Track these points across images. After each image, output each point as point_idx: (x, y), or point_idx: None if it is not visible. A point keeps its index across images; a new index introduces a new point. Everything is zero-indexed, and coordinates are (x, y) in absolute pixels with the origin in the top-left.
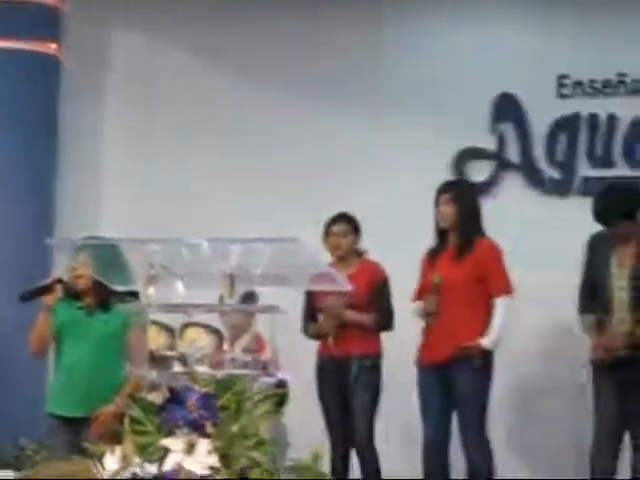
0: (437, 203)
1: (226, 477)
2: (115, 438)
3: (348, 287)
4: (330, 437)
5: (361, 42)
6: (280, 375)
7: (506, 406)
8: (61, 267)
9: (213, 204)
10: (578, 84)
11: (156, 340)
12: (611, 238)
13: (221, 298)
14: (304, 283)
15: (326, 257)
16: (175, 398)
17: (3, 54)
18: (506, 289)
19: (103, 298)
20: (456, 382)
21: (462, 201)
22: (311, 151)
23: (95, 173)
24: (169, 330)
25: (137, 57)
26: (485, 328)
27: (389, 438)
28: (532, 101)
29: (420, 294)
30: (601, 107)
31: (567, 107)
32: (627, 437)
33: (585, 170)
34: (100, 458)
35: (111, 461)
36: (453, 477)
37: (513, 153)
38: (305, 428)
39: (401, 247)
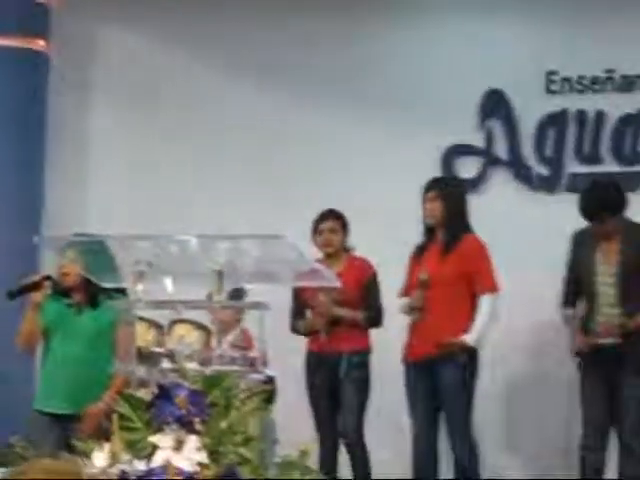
0: (424, 200)
1: (215, 473)
2: (104, 435)
3: (336, 283)
4: (319, 433)
5: (348, 39)
6: (268, 372)
7: (495, 403)
8: (49, 264)
9: (199, 202)
10: (566, 80)
11: (144, 337)
12: (596, 234)
13: (209, 295)
14: (292, 280)
15: (312, 254)
16: (164, 394)
17: None
18: (491, 287)
19: (91, 295)
20: (441, 379)
21: (449, 198)
22: (297, 148)
23: (83, 170)
24: (157, 327)
25: (125, 54)
26: (469, 325)
27: (378, 434)
28: (520, 97)
29: (407, 290)
30: (589, 103)
31: (555, 103)
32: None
33: (573, 166)
34: (88, 455)
35: (99, 458)
36: (444, 474)
37: (501, 149)
38: (294, 424)
39: (389, 244)
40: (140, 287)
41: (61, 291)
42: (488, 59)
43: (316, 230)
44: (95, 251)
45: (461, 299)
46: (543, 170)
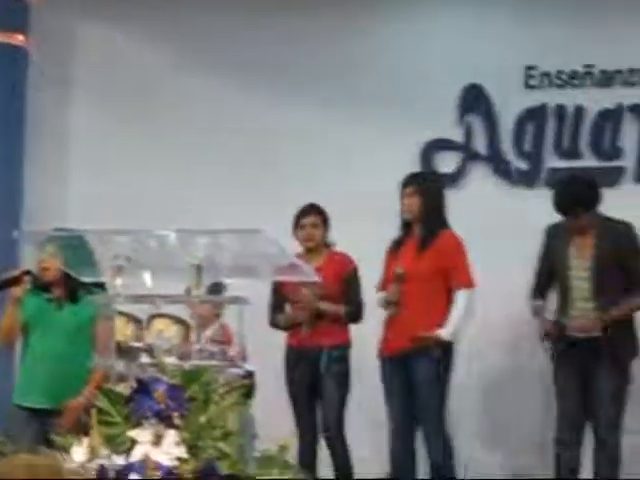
0: (402, 195)
1: (193, 468)
2: (83, 430)
3: (315, 278)
4: (298, 428)
5: (328, 35)
6: (247, 366)
7: (472, 398)
8: (29, 259)
9: (181, 199)
10: (545, 75)
11: (123, 331)
12: (570, 229)
13: (188, 289)
14: (271, 274)
15: (291, 248)
16: (142, 389)
17: None
18: (467, 282)
19: (71, 290)
20: (415, 373)
21: (427, 194)
22: (281, 145)
23: (62, 165)
24: (136, 321)
25: (106, 50)
26: (445, 320)
27: (356, 430)
28: (499, 92)
29: (384, 285)
30: (568, 98)
31: (534, 98)
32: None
33: (552, 161)
34: (67, 450)
35: (78, 453)
36: (423, 469)
37: (480, 144)
38: (273, 419)
39: (369, 239)
40: (119, 281)
41: (41, 286)
42: (467, 54)
43: (297, 225)
44: (74, 246)
45: (437, 294)
46: (522, 165)
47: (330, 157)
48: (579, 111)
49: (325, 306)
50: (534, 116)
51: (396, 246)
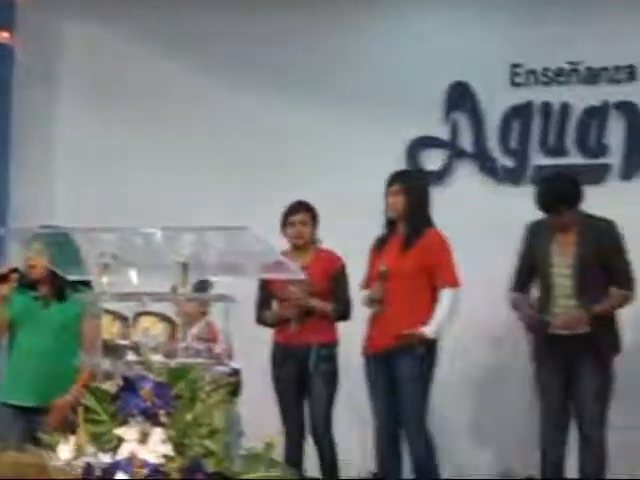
0: (387, 193)
1: (180, 465)
2: (70, 428)
3: (302, 276)
4: (285, 426)
5: (313, 32)
6: (233, 364)
7: (456, 395)
8: (15, 257)
9: (167, 195)
10: (531, 73)
11: (109, 329)
12: (552, 226)
13: (174, 287)
14: (258, 272)
15: (279, 246)
16: (129, 387)
17: None
18: (452, 281)
19: (58, 288)
20: (398, 370)
21: (411, 192)
22: (264, 141)
23: (48, 163)
24: (122, 319)
25: (91, 48)
26: (429, 318)
27: (343, 426)
28: (485, 90)
29: (368, 283)
30: (554, 96)
31: (520, 96)
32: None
33: (538, 158)
34: (54, 448)
35: (64, 450)
36: (408, 466)
37: (466, 142)
38: (259, 417)
39: (354, 236)
40: (105, 279)
41: (28, 284)
42: (453, 52)
43: (286, 222)
44: (60, 243)
45: (421, 292)
46: (508, 162)
47: (314, 155)
48: (565, 108)
49: (315, 302)
50: (520, 113)
51: (380, 244)
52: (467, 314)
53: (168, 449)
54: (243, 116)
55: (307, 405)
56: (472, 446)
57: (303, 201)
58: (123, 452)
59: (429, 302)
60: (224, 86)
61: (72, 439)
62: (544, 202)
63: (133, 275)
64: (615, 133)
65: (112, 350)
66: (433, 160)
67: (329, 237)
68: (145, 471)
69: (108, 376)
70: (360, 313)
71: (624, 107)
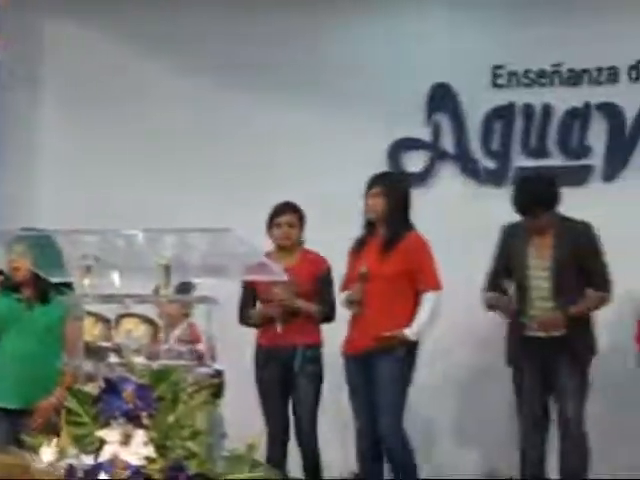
0: (367, 195)
1: (162, 467)
2: (54, 430)
3: (284, 277)
4: (269, 427)
5: (295, 32)
6: (216, 365)
7: (437, 397)
8: None
9: (151, 197)
10: (513, 74)
11: (92, 331)
12: (528, 229)
13: (156, 289)
14: (240, 274)
15: (263, 247)
16: (111, 389)
17: None
18: (434, 285)
19: (42, 290)
20: (377, 371)
21: (392, 195)
22: (244, 142)
23: (31, 164)
24: (105, 321)
25: (76, 50)
26: (409, 320)
27: (325, 427)
28: (467, 91)
29: (347, 284)
30: (536, 97)
31: (502, 97)
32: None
33: (520, 160)
34: (37, 450)
35: (47, 453)
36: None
37: (448, 143)
38: (242, 419)
39: (335, 238)
40: (87, 281)
41: (11, 286)
42: (434, 53)
43: (272, 223)
44: (43, 245)
45: (401, 294)
46: (490, 164)
47: (296, 156)
48: (547, 110)
49: (300, 303)
50: (502, 115)
51: (359, 246)
52: (449, 316)
53: (150, 451)
54: (229, 118)
55: (291, 406)
56: (455, 447)
57: (290, 202)
58: (105, 454)
59: (409, 304)
60: (209, 87)
61: (55, 441)
62: (520, 205)
63: (115, 277)
64: (597, 135)
65: (94, 352)
66: (415, 162)
67: (309, 239)
68: (127, 473)
69: (90, 378)
70: (341, 315)
71: (606, 108)
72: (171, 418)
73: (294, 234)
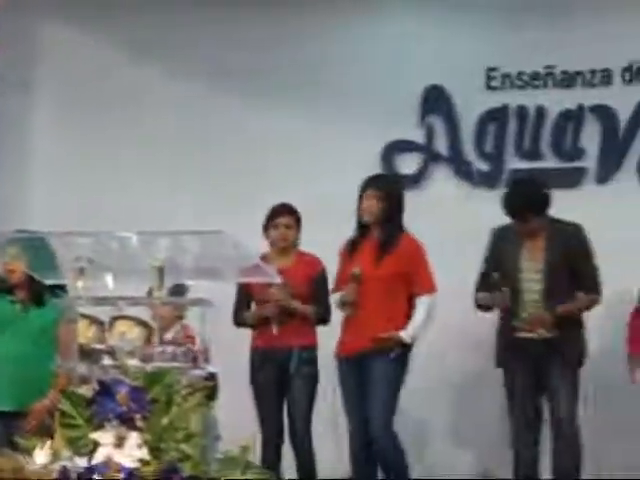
0: (361, 197)
1: (156, 470)
2: (48, 432)
3: (278, 279)
4: (263, 429)
5: (287, 35)
6: (210, 368)
7: (431, 400)
8: None
9: (144, 201)
10: (507, 76)
11: (85, 333)
12: (519, 232)
13: (150, 291)
14: (234, 276)
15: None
16: (105, 391)
17: None
18: (430, 288)
19: (36, 292)
20: (371, 371)
21: (386, 197)
22: (236, 146)
23: (24, 169)
24: (98, 323)
25: (67, 54)
26: (404, 323)
27: (319, 429)
28: (461, 93)
29: (339, 285)
30: (529, 99)
31: (495, 99)
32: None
33: (514, 162)
34: (31, 452)
35: (41, 455)
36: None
37: (442, 145)
38: (236, 421)
39: (329, 240)
40: (80, 284)
41: (6, 288)
42: (428, 55)
43: (270, 224)
44: (37, 248)
45: (396, 296)
46: (484, 166)
47: (289, 160)
48: (540, 112)
49: (296, 305)
50: (495, 117)
51: (351, 247)
52: (442, 317)
53: (144, 453)
54: (221, 123)
55: (285, 408)
56: (448, 447)
57: (287, 204)
58: (99, 456)
59: (403, 306)
60: (202, 92)
61: (48, 443)
62: (511, 208)
63: (109, 279)
64: (591, 137)
65: (88, 354)
66: (408, 164)
67: (303, 241)
68: (121, 475)
69: (84, 380)
70: (335, 317)
71: (599, 111)
72: (165, 420)
73: (291, 235)
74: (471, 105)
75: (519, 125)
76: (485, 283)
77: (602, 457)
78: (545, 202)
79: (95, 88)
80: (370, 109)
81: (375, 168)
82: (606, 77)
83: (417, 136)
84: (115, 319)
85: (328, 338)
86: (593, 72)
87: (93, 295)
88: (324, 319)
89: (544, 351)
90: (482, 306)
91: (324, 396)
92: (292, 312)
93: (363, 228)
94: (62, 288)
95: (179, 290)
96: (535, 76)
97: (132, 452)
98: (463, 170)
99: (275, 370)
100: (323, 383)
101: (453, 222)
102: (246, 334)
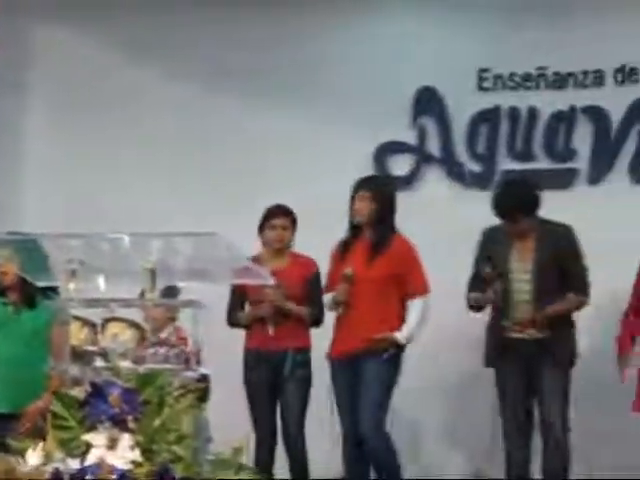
0: (353, 199)
1: (148, 471)
2: (41, 434)
3: (271, 281)
4: (256, 431)
5: (287, 35)
6: (202, 369)
7: (424, 400)
8: None
9: (138, 203)
10: (498, 77)
11: (78, 335)
12: (509, 233)
13: (142, 293)
14: (226, 278)
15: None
16: (97, 393)
17: None
18: (423, 290)
19: (28, 294)
20: (364, 372)
21: (379, 198)
22: (234, 147)
23: (18, 170)
24: (91, 325)
25: (62, 54)
26: (397, 323)
27: (311, 430)
28: (453, 94)
29: (330, 286)
30: (522, 100)
31: (487, 100)
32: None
33: (506, 163)
34: (23, 454)
35: (33, 457)
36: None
37: (434, 146)
38: (228, 423)
39: (322, 241)
40: (73, 286)
41: None
42: (420, 57)
43: (265, 225)
44: (29, 249)
45: (388, 297)
46: (476, 167)
47: (285, 161)
48: (532, 113)
49: (291, 306)
50: (487, 118)
51: (343, 248)
52: (434, 318)
53: (136, 455)
54: (219, 123)
55: (279, 410)
56: (441, 447)
57: (283, 205)
58: (91, 458)
59: (396, 307)
60: (200, 93)
61: (41, 445)
62: (500, 209)
63: (101, 281)
64: (583, 138)
65: (80, 356)
66: (401, 165)
67: (296, 242)
68: (113, 477)
69: (76, 382)
70: (328, 319)
71: (591, 112)
72: (157, 422)
73: (287, 237)
74: (463, 106)
75: (511, 126)
76: (475, 284)
77: (592, 457)
78: (535, 203)
79: (92, 89)
80: (362, 110)
81: (367, 169)
82: (598, 78)
83: (409, 137)
84: (107, 321)
85: (321, 339)
86: (585, 73)
87: (85, 297)
88: (318, 320)
89: (535, 351)
90: (474, 307)
91: (317, 397)
92: (287, 313)
93: (355, 229)
94: (54, 290)
95: (171, 292)
96: (527, 77)
97: (124, 454)
98: (455, 171)
99: (269, 371)
100: (316, 384)
101: (445, 223)
102: (239, 334)
